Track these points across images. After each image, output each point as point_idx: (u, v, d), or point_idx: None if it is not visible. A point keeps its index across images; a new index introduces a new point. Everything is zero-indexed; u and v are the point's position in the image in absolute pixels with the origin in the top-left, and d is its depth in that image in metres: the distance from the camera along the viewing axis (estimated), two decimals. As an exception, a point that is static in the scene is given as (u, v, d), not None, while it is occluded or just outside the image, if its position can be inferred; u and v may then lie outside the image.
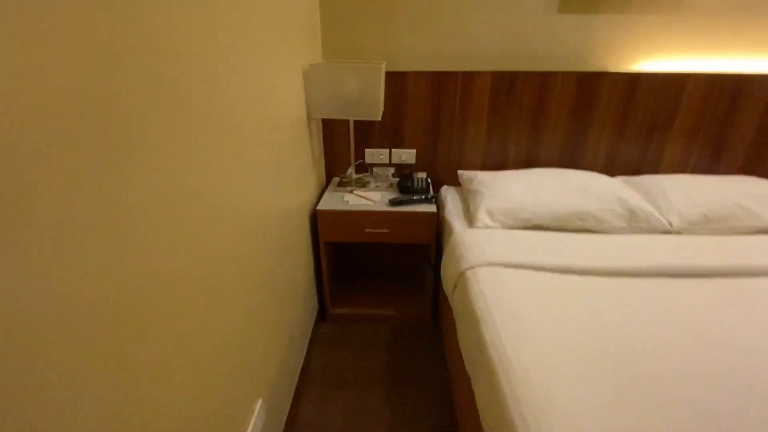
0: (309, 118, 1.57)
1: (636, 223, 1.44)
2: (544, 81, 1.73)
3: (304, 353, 1.63)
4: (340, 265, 2.10)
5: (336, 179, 1.91)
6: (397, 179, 1.83)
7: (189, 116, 0.67)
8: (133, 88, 0.52)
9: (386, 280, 2.00)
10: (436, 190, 1.94)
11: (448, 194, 1.79)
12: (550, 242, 1.36)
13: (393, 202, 1.61)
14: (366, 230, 1.60)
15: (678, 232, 1.45)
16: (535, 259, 1.23)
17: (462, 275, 1.24)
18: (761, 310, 1.05)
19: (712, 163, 1.85)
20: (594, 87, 1.73)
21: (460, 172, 1.82)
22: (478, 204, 1.50)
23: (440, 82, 1.75)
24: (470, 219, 1.51)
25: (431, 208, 1.60)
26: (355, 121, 1.81)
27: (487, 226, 1.45)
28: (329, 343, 1.73)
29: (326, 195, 1.72)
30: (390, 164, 1.92)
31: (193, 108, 0.68)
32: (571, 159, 1.87)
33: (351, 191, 1.75)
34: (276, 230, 1.20)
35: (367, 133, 1.87)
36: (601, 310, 1.04)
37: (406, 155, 1.89)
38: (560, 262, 1.23)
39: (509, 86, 1.75)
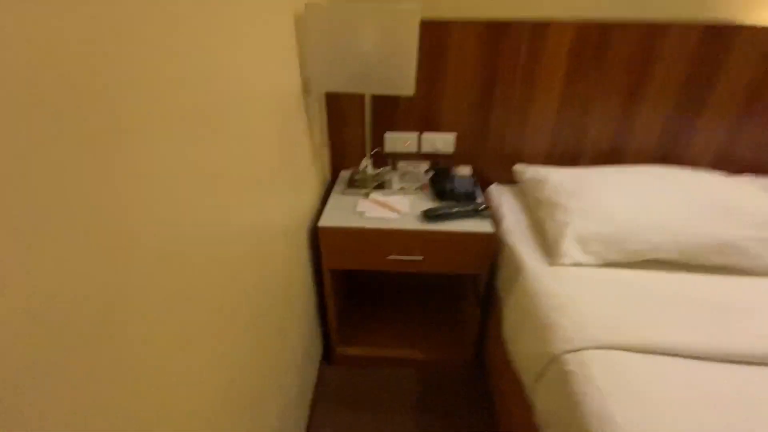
0: (306, 92, 1.05)
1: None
2: (649, 37, 1.18)
3: (305, 420, 1.19)
4: (349, 290, 1.63)
5: (345, 174, 1.41)
6: (430, 177, 1.32)
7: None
8: None
9: (411, 311, 1.53)
10: (483, 189, 1.44)
11: (503, 199, 1.28)
12: (685, 296, 0.87)
13: (429, 216, 1.11)
14: (389, 257, 1.12)
15: None
16: (675, 339, 0.75)
17: (556, 361, 0.76)
18: None
19: None
20: (723, 47, 1.18)
21: (519, 167, 1.31)
22: (562, 226, 1.00)
23: (497, 37, 1.20)
24: (548, 248, 1.02)
25: (485, 225, 1.10)
26: (373, 97, 1.28)
27: (577, 263, 0.96)
28: (337, 397, 1.30)
29: (332, 201, 1.22)
30: (419, 154, 1.41)
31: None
32: (671, 149, 1.34)
33: (366, 195, 1.24)
34: (258, 256, 0.73)
35: (388, 111, 1.34)
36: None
37: (443, 141, 1.37)
38: (714, 342, 0.75)
39: (598, 44, 1.19)
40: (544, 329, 0.81)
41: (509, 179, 1.42)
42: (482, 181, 1.44)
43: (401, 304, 1.56)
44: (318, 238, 1.11)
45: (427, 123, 1.35)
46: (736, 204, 0.99)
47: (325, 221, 1.11)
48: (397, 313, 1.52)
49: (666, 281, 0.92)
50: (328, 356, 1.42)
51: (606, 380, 0.69)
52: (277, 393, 0.89)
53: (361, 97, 1.30)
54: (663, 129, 1.31)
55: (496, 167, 1.41)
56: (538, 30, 1.18)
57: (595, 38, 1.18)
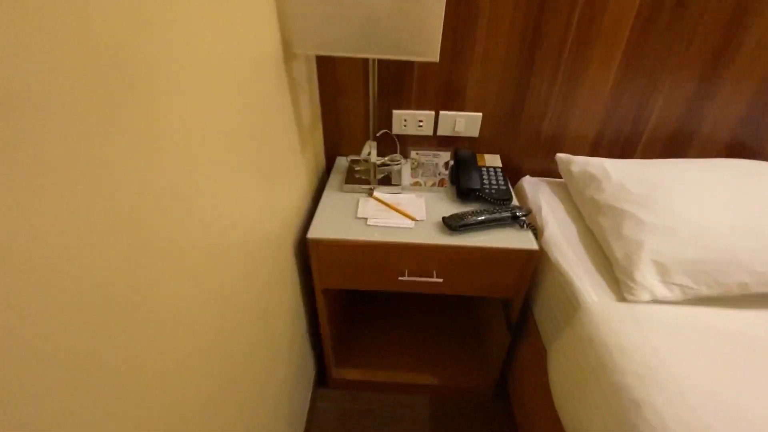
0: (289, 55, 0.76)
1: None
2: (749, -15, 0.88)
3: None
4: (350, 301, 1.39)
5: (343, 161, 1.13)
6: (449, 169, 1.04)
7: None
8: None
9: (424, 329, 1.30)
10: (514, 182, 1.17)
11: (541, 198, 1.01)
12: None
13: (453, 226, 0.84)
14: (401, 278, 0.86)
15: None
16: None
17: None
18: None
19: None
20: None
21: (564, 157, 1.03)
22: (635, 246, 0.74)
23: (549, -15, 0.89)
24: (615, 274, 0.77)
25: (527, 239, 0.84)
26: (380, 63, 0.98)
27: (655, 300, 0.71)
28: (333, 427, 1.09)
29: (325, 200, 0.95)
30: (435, 137, 1.13)
31: None
32: (753, 135, 1.07)
33: (371, 191, 0.98)
34: (216, 272, 0.48)
35: (397, 83, 1.04)
36: None
37: (466, 123, 1.09)
38: None
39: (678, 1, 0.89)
40: (623, 405, 0.58)
41: (545, 170, 1.15)
42: (511, 172, 1.17)
43: (413, 321, 1.32)
44: (308, 251, 0.85)
45: (447, 99, 1.06)
46: None
47: (316, 231, 0.84)
48: (408, 330, 1.28)
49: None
50: (323, 379, 1.20)
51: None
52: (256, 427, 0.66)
53: (364, 62, 1.00)
54: (747, 109, 1.03)
55: (530, 155, 1.14)
56: (603, -26, 0.88)
57: (677, -12, 0.88)
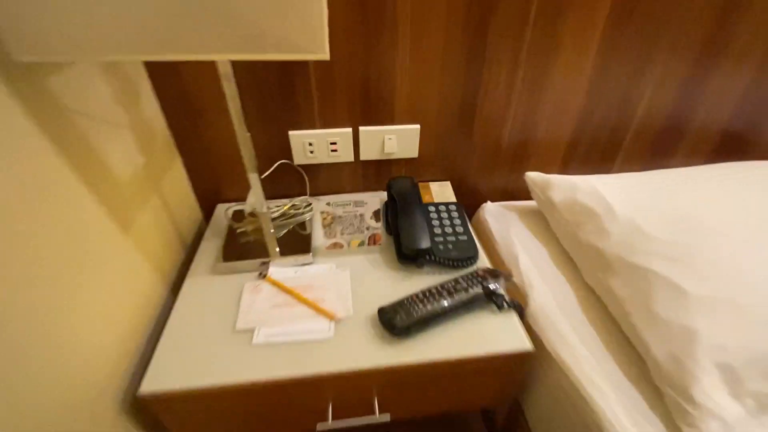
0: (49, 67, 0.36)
1: None
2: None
3: None
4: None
5: (225, 209, 0.75)
6: (382, 211, 0.71)
7: None
8: None
9: None
10: (471, 213, 0.86)
11: (514, 237, 0.71)
12: None
13: (396, 327, 0.51)
14: (320, 427, 0.52)
15: None
16: None
17: None
18: None
19: None
20: None
21: (536, 177, 0.74)
22: (680, 336, 0.46)
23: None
24: (664, 386, 0.48)
25: (513, 331, 0.54)
26: (252, 64, 0.61)
27: (722, 419, 0.44)
28: None
29: (185, 299, 0.57)
30: (357, 163, 0.78)
31: None
32: (753, 124, 0.86)
33: (263, 270, 0.62)
34: None
35: (287, 92, 0.68)
36: None
37: (398, 140, 0.76)
38: None
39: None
40: None
41: (512, 190, 0.87)
42: (466, 198, 0.87)
43: None
44: (146, 412, 0.48)
45: (369, 110, 0.72)
46: None
47: (157, 378, 0.47)
48: None
49: None
50: None
51: None
52: None
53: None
54: (743, 97, 0.81)
55: (490, 173, 0.84)
56: None
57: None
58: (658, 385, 0.48)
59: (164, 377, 0.47)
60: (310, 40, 0.37)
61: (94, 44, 0.34)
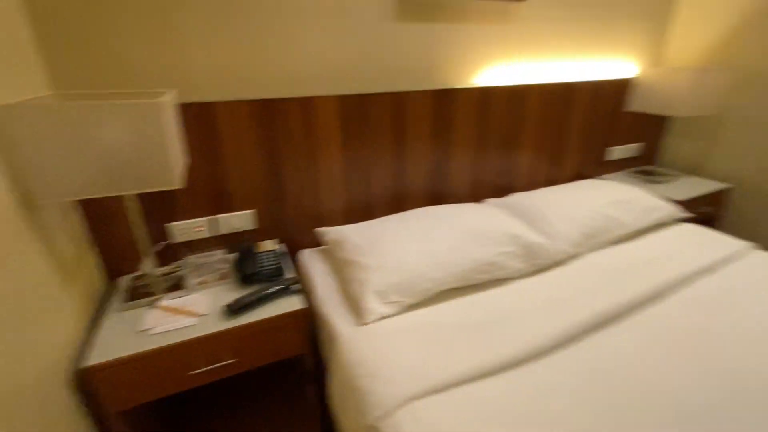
0: (30, 205, 0.83)
1: (533, 260, 1.25)
2: (399, 102, 1.41)
3: None
4: (161, 415, 1.35)
5: (127, 280, 1.17)
6: (235, 261, 1.22)
7: None
8: None
9: (249, 407, 1.36)
10: (294, 256, 1.42)
11: (314, 266, 1.29)
12: (468, 319, 1.03)
13: (233, 309, 1.01)
14: (192, 373, 0.96)
15: (572, 257, 1.33)
16: (465, 366, 0.87)
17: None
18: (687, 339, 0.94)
19: (556, 169, 1.89)
20: (449, 104, 1.51)
21: (321, 231, 1.34)
22: (363, 284, 1.06)
23: (268, 112, 1.23)
24: (355, 309, 1.06)
25: (295, 302, 1.07)
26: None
27: (382, 317, 1.02)
28: None
29: (106, 324, 0.99)
30: (217, 237, 1.30)
31: None
32: (439, 187, 1.63)
33: (155, 302, 1.06)
34: None
35: (167, 201, 1.19)
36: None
37: (240, 220, 1.30)
38: (489, 357, 0.89)
39: (361, 111, 1.36)
40: (361, 397, 0.82)
41: (316, 242, 1.45)
42: (295, 250, 1.43)
43: (235, 403, 1.37)
44: (92, 383, 0.87)
45: (220, 204, 1.26)
46: (482, 229, 1.25)
47: (97, 358, 0.88)
48: (234, 413, 1.33)
49: (453, 309, 1.08)
50: None
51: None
52: None
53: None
54: (428, 172, 1.57)
55: (304, 233, 1.42)
56: (305, 103, 1.27)
57: (357, 107, 1.35)
58: (354, 308, 1.04)
59: (100, 357, 0.87)
60: (170, 179, 0.91)
61: (79, 191, 0.83)
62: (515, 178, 1.79)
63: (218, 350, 0.98)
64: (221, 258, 1.16)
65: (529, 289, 1.18)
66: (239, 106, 1.18)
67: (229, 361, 0.99)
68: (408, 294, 1.06)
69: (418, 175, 1.56)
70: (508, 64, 1.62)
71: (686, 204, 1.74)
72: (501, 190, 1.76)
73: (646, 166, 2.12)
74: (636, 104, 1.90)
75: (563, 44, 1.70)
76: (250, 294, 1.05)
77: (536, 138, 1.77)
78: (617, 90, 1.89)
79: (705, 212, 1.85)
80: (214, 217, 1.27)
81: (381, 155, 1.45)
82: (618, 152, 2.03)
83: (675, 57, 2.01)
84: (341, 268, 1.17)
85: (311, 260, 1.32)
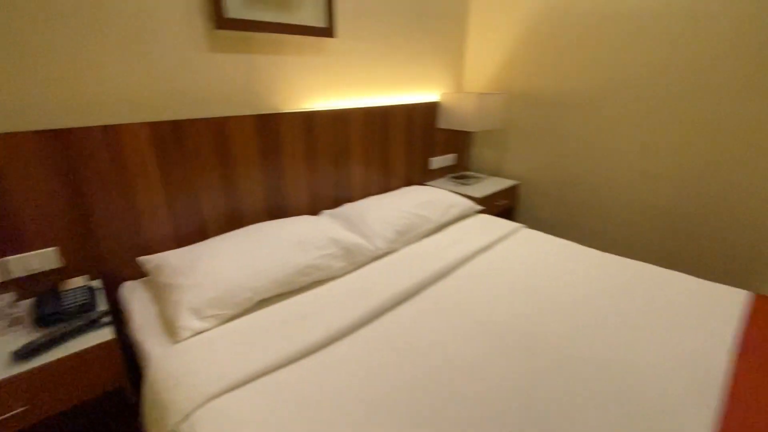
0: None
1: (353, 258, 1.44)
2: (221, 127, 1.49)
3: None
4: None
5: None
6: (32, 304, 1.12)
7: None
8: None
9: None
10: (114, 294, 1.35)
11: (134, 296, 1.26)
12: (282, 318, 1.14)
13: (21, 354, 0.94)
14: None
15: (388, 253, 1.56)
16: (268, 358, 0.97)
17: (172, 438, 0.81)
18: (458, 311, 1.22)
19: (388, 179, 2.18)
20: (275, 128, 1.64)
21: (141, 259, 1.32)
22: (177, 304, 1.09)
23: (69, 143, 1.18)
24: (170, 329, 1.08)
25: (105, 334, 1.04)
26: None
27: (197, 332, 1.07)
28: None
29: None
30: (11, 282, 1.17)
31: None
32: (277, 205, 1.74)
33: None
34: None
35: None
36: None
37: (39, 259, 1.20)
38: (292, 346, 1.02)
39: (178, 137, 1.39)
40: (163, 410, 0.86)
41: (141, 273, 1.41)
42: (117, 283, 1.36)
43: None
44: None
45: (6, 245, 1.15)
46: (304, 237, 1.39)
47: None
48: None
49: (275, 311, 1.18)
50: None
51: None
52: None
53: None
54: (263, 192, 1.67)
55: (126, 266, 1.37)
56: (111, 132, 1.25)
57: (173, 134, 1.37)
58: (172, 331, 1.07)
59: None
60: None
61: None
62: (351, 190, 2.01)
63: (8, 402, 0.90)
64: (9, 302, 1.06)
65: (348, 283, 1.35)
66: (23, 138, 1.11)
67: (22, 409, 0.92)
68: (228, 306, 1.13)
69: (253, 193, 1.64)
70: (329, 90, 1.83)
71: (489, 199, 2.19)
72: (339, 200, 1.95)
73: (461, 172, 2.58)
74: (443, 122, 2.32)
75: (377, 71, 2.00)
76: (45, 335, 0.99)
77: (364, 154, 2.02)
78: (428, 111, 2.28)
79: (503, 204, 2.34)
80: (2, 259, 1.15)
81: (207, 179, 1.49)
82: (438, 162, 2.43)
83: (469, 85, 2.52)
84: (160, 294, 1.18)
85: (132, 292, 1.28)
